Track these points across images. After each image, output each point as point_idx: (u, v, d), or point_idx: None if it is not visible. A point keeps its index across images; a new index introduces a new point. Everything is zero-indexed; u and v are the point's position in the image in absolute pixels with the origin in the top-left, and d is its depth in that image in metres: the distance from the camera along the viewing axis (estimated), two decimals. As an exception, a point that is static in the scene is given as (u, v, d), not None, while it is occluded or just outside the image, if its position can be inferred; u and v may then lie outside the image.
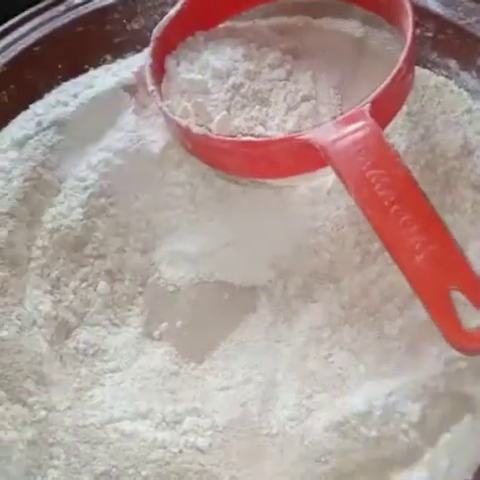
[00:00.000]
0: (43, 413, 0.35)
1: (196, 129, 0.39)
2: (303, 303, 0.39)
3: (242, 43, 0.45)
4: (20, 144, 0.44)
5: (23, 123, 0.46)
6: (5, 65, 0.49)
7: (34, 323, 0.39)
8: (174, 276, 0.43)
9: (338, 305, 0.38)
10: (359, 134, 0.34)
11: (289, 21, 0.48)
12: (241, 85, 0.42)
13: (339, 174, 0.35)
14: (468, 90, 0.44)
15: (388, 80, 0.37)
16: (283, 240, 0.41)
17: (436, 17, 0.45)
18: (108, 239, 0.43)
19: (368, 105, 0.36)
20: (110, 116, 0.45)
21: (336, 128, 0.35)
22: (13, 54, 0.49)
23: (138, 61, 0.48)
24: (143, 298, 0.42)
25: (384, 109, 0.37)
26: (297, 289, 0.40)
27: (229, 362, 0.39)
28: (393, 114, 0.39)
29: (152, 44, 0.43)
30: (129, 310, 0.42)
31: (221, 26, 0.46)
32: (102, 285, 0.42)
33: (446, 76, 0.45)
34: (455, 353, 0.32)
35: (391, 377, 0.35)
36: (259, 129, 0.40)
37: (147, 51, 0.45)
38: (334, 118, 0.37)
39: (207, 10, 0.45)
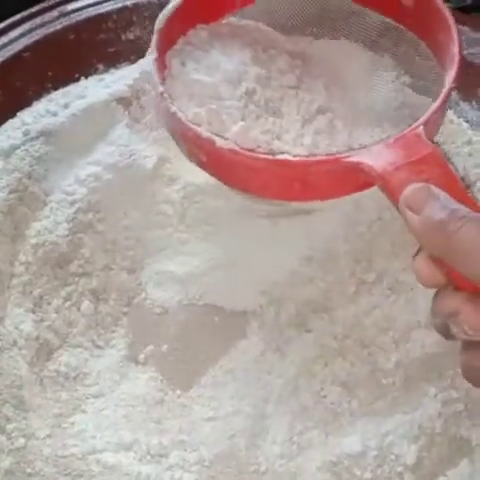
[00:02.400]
0: (21, 441, 0.34)
1: (221, 142, 0.34)
2: (296, 332, 0.38)
3: (249, 44, 0.41)
4: (6, 154, 0.43)
5: (10, 132, 0.44)
6: (-7, 70, 0.47)
7: (14, 343, 0.37)
8: (162, 297, 0.42)
9: (331, 336, 0.38)
10: (423, 162, 0.31)
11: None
12: (254, 92, 0.39)
13: (397, 205, 0.31)
14: (467, 121, 0.43)
15: (439, 101, 0.34)
16: (276, 267, 0.40)
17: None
18: (94, 256, 0.42)
19: (422, 128, 0.33)
20: (101, 129, 0.44)
21: (390, 152, 0.32)
22: (1, 60, 0.48)
23: (132, 73, 0.47)
24: (128, 319, 0.41)
25: (431, 132, 0.35)
26: (290, 317, 0.39)
27: (217, 391, 0.37)
28: (434, 136, 0.36)
29: (156, 37, 0.39)
30: (113, 331, 0.41)
31: (223, 22, 0.42)
32: (86, 305, 0.40)
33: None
34: (452, 394, 0.32)
35: (386, 415, 0.34)
36: (277, 143, 0.36)
37: (152, 44, 0.39)
38: (384, 140, 0.33)
39: (210, 3, 0.42)
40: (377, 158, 0.32)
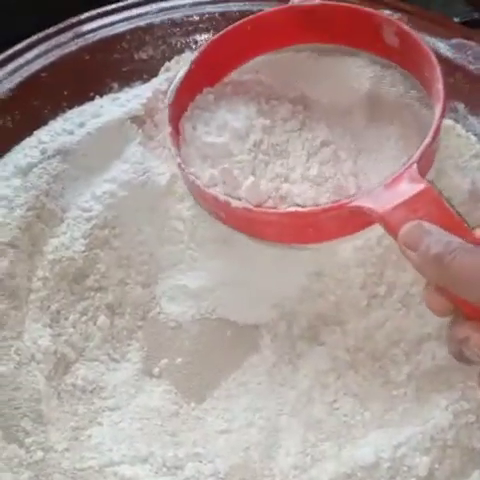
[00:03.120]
0: (40, 454, 0.34)
1: (236, 203, 0.38)
2: (308, 345, 0.39)
3: (252, 98, 0.45)
4: (24, 172, 0.44)
5: (27, 150, 0.45)
6: (11, 90, 0.48)
7: (32, 358, 0.38)
8: (175, 311, 0.42)
9: (343, 349, 0.38)
10: (418, 200, 0.33)
11: (295, 59, 0.48)
12: (261, 142, 0.42)
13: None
14: (476, 134, 0.44)
15: (429, 138, 0.36)
16: (287, 283, 0.41)
17: (446, 61, 0.46)
18: (110, 271, 0.42)
19: (415, 165, 0.35)
20: (116, 147, 0.45)
21: (388, 193, 0.34)
22: (19, 79, 0.49)
23: (145, 91, 0.48)
24: (143, 333, 0.42)
25: (426, 166, 0.37)
26: (302, 330, 0.40)
27: (230, 403, 0.38)
28: (429, 169, 0.39)
29: (168, 111, 0.42)
30: (128, 345, 0.41)
31: (226, 80, 0.46)
32: (102, 319, 0.41)
33: (454, 119, 0.45)
34: (464, 405, 0.32)
35: (398, 426, 0.34)
36: (285, 186, 0.40)
37: (165, 118, 0.43)
38: (382, 182, 0.35)
39: (214, 66, 0.45)
40: (376, 201, 0.34)
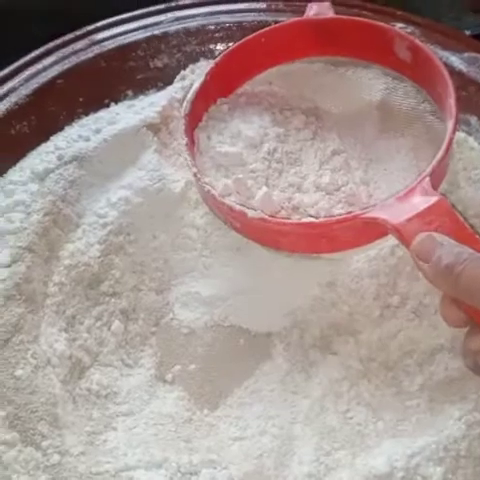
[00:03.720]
0: (56, 457, 0.35)
1: (252, 213, 0.38)
2: (321, 354, 0.39)
3: (266, 109, 0.45)
4: (40, 177, 0.44)
5: (44, 156, 0.45)
6: (27, 96, 0.49)
7: (48, 362, 0.38)
8: (188, 318, 0.43)
9: (356, 358, 0.38)
10: (431, 212, 0.34)
11: (308, 71, 0.48)
12: (275, 150, 0.42)
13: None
14: (488, 147, 0.44)
15: (441, 152, 0.37)
16: (300, 292, 0.41)
17: (459, 74, 0.46)
18: (124, 277, 0.43)
19: (428, 178, 0.36)
20: (132, 154, 0.45)
21: (402, 205, 0.35)
22: (35, 86, 0.50)
23: (161, 99, 0.48)
24: (156, 339, 0.42)
25: (438, 179, 0.38)
26: (314, 339, 0.40)
27: (243, 411, 0.38)
28: (441, 182, 0.39)
29: (184, 121, 0.43)
30: (142, 351, 0.42)
31: (239, 91, 0.47)
32: (116, 324, 0.41)
33: (466, 132, 0.46)
34: (477, 416, 0.32)
35: (411, 436, 0.35)
36: (297, 197, 0.40)
37: (181, 127, 0.44)
38: (395, 194, 0.36)
39: (228, 77, 0.46)
40: (390, 212, 0.35)
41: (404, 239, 0.34)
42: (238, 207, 0.39)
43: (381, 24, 0.45)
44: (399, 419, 0.36)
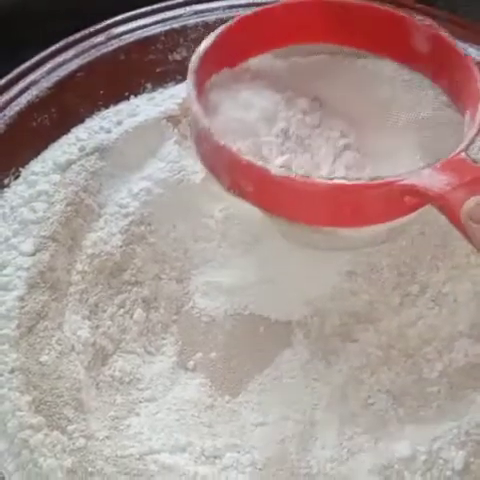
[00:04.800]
0: (82, 441, 0.35)
1: (277, 170, 0.34)
2: (341, 342, 0.40)
3: (271, 88, 0.43)
4: (63, 168, 0.45)
5: (66, 147, 0.46)
6: (48, 89, 0.49)
7: (73, 349, 0.38)
8: (208, 306, 0.43)
9: (376, 346, 0.39)
10: (476, 183, 0.33)
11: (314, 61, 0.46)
12: (287, 130, 0.41)
13: (457, 223, 0.33)
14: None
15: (475, 129, 0.36)
16: (319, 281, 0.42)
17: (477, 66, 0.46)
18: (146, 266, 0.43)
19: (465, 153, 0.35)
20: (152, 145, 0.46)
21: (441, 175, 0.33)
22: (56, 79, 0.50)
23: (180, 92, 0.49)
24: (177, 327, 0.43)
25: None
26: (334, 327, 0.41)
27: (265, 397, 0.39)
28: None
29: (192, 76, 0.40)
30: (163, 338, 0.42)
31: (243, 67, 0.44)
32: (138, 313, 0.42)
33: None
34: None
35: (433, 422, 0.35)
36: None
37: (189, 84, 0.41)
38: (430, 165, 0.34)
39: (237, 45, 0.43)
40: (431, 181, 0.33)
41: (449, 208, 0.33)
42: (260, 163, 0.35)
43: (397, 12, 0.43)
44: (420, 405, 0.36)
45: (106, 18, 0.54)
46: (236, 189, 0.37)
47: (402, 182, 0.34)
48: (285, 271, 0.43)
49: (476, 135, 0.36)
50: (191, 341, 0.42)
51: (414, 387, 0.37)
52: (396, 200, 0.35)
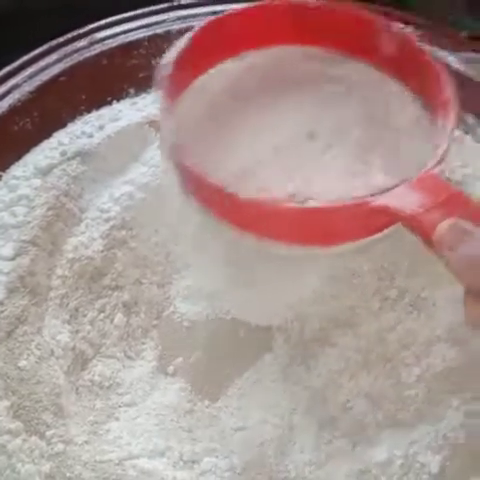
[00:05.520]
0: (61, 446, 0.35)
1: (245, 194, 0.34)
2: (320, 347, 0.40)
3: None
4: (44, 172, 0.44)
5: (47, 152, 0.46)
6: (30, 93, 0.49)
7: (52, 353, 0.38)
8: (189, 311, 0.43)
9: (355, 350, 0.39)
10: (451, 203, 0.32)
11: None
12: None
13: (431, 245, 0.32)
14: (485, 146, 0.45)
15: (446, 142, 0.35)
16: (300, 287, 0.42)
17: (456, 74, 0.47)
18: (126, 271, 0.43)
19: (438, 169, 0.34)
20: (135, 150, 0.46)
21: (415, 194, 0.32)
22: (38, 83, 0.50)
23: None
24: (158, 332, 0.43)
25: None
26: (314, 332, 0.41)
27: (244, 401, 0.39)
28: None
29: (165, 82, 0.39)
30: (143, 343, 0.42)
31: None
32: (119, 317, 0.42)
33: (464, 130, 0.46)
34: (475, 406, 0.33)
35: (410, 426, 0.35)
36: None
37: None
38: (403, 182, 0.33)
39: (206, 51, 0.42)
40: (403, 200, 0.32)
41: (422, 229, 0.32)
42: (225, 189, 0.34)
43: (366, 14, 0.42)
44: (398, 409, 0.36)
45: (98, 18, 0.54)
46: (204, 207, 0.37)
47: (374, 203, 0.33)
48: (267, 274, 0.43)
49: (447, 150, 0.35)
50: (171, 346, 0.42)
51: (392, 391, 0.37)
52: (370, 219, 0.34)
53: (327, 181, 0.37)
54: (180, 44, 0.41)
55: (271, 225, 0.35)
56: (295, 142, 0.39)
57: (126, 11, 0.54)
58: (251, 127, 0.39)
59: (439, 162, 0.35)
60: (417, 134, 0.39)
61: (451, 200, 0.32)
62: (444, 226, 0.31)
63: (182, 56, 0.40)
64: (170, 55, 0.40)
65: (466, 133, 0.46)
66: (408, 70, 0.41)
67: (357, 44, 0.42)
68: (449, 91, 0.37)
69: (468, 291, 0.31)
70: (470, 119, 0.47)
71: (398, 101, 0.40)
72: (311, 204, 0.35)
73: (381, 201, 0.33)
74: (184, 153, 0.36)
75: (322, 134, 0.39)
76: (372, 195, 0.34)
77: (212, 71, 0.42)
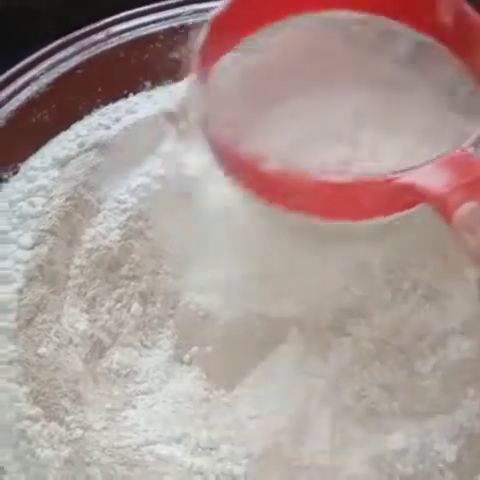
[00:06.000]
0: (79, 432, 0.36)
1: (274, 166, 0.34)
2: (334, 337, 0.40)
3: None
4: (62, 163, 0.45)
5: (65, 143, 0.46)
6: (48, 85, 0.50)
7: (70, 341, 0.39)
8: (205, 301, 0.44)
9: (369, 340, 0.39)
10: (477, 183, 0.31)
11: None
12: None
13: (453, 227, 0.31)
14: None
15: None
16: (313, 278, 0.42)
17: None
18: (143, 261, 0.44)
19: (472, 148, 0.33)
20: (151, 142, 0.46)
21: (442, 173, 0.32)
22: (56, 75, 0.51)
23: (179, 90, 0.50)
24: (174, 321, 0.43)
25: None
26: (328, 322, 0.41)
27: (259, 391, 0.39)
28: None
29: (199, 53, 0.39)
30: (160, 332, 0.43)
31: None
32: (135, 307, 0.42)
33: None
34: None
35: (426, 415, 0.36)
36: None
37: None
38: (432, 160, 0.32)
39: (241, 21, 0.41)
40: (430, 179, 0.32)
41: (446, 210, 0.31)
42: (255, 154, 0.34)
43: None
44: (413, 399, 0.37)
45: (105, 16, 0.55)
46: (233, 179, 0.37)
47: (400, 180, 0.32)
48: (281, 266, 0.43)
49: None
50: (187, 335, 0.42)
51: (407, 381, 0.37)
52: (395, 197, 0.34)
53: (376, 157, 0.36)
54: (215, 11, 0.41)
55: (297, 198, 0.35)
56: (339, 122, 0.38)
57: (140, 5, 0.54)
58: (289, 107, 0.39)
59: (476, 141, 0.33)
60: (467, 110, 0.38)
61: (478, 182, 0.31)
62: (466, 208, 0.30)
63: (217, 24, 0.40)
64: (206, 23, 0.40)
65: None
66: (463, 40, 0.39)
67: (412, 11, 0.41)
68: None
69: None
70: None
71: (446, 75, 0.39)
72: (337, 178, 0.34)
73: (408, 178, 0.32)
74: (218, 125, 0.36)
75: (368, 114, 0.38)
76: (399, 172, 0.33)
77: (245, 45, 0.41)
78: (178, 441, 0.36)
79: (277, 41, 0.43)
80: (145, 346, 0.42)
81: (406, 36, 0.41)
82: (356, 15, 0.42)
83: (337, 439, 0.36)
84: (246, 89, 0.41)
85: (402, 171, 0.33)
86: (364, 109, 0.39)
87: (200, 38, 0.40)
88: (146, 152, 0.46)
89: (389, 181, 0.33)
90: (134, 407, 0.38)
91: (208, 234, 0.45)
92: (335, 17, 0.42)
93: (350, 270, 0.42)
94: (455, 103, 0.39)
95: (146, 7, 0.54)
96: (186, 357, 0.41)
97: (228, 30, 0.41)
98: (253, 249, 0.45)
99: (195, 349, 0.42)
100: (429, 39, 0.41)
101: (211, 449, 0.36)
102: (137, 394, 0.39)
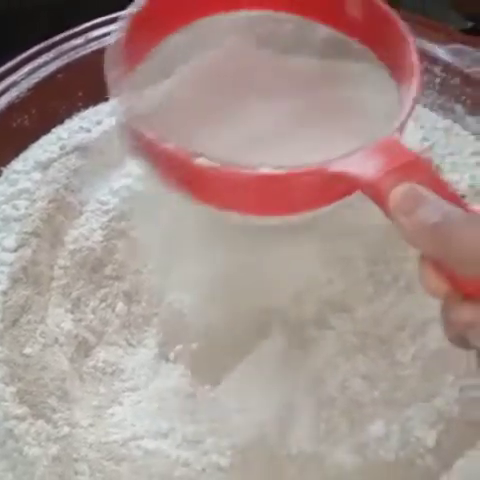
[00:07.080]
0: (66, 429, 0.36)
1: (200, 160, 0.31)
2: (317, 330, 0.41)
3: None
4: (44, 166, 0.46)
5: (46, 146, 0.47)
6: (28, 90, 0.50)
7: (56, 341, 0.39)
8: (189, 298, 0.44)
9: (351, 333, 0.40)
10: (410, 168, 0.30)
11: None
12: None
13: (388, 211, 0.30)
14: (474, 134, 0.47)
15: (407, 108, 0.34)
16: (295, 272, 0.43)
17: (444, 65, 0.48)
18: (127, 261, 0.44)
19: (398, 134, 0.32)
20: (132, 143, 0.47)
21: (373, 160, 0.31)
22: (36, 80, 0.51)
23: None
24: (158, 319, 0.44)
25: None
26: (311, 315, 0.42)
27: (244, 384, 0.40)
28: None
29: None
30: (145, 331, 0.43)
31: None
32: (120, 306, 0.43)
33: (452, 120, 0.48)
34: (468, 380, 0.34)
35: (406, 403, 0.36)
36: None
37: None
38: (362, 148, 0.31)
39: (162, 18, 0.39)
40: (361, 166, 0.31)
41: (379, 195, 0.30)
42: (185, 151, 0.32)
43: None
44: (394, 387, 0.37)
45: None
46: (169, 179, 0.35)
47: (331, 169, 0.31)
48: (264, 260, 0.44)
49: (409, 115, 0.34)
50: (171, 333, 0.43)
51: (388, 371, 0.38)
52: (327, 186, 0.33)
53: (297, 151, 0.35)
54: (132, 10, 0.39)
55: (225, 193, 0.34)
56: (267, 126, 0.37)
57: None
58: (217, 114, 0.37)
59: (400, 128, 0.33)
60: (383, 100, 0.37)
61: (409, 166, 0.30)
62: (399, 190, 0.29)
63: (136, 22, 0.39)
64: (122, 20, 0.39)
65: (454, 122, 0.48)
66: (374, 33, 0.39)
67: (321, 8, 0.40)
68: (414, 57, 0.36)
69: (424, 258, 0.30)
70: (458, 109, 0.48)
71: (365, 68, 0.39)
72: (265, 170, 0.32)
73: (338, 167, 0.31)
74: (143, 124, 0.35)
75: (295, 115, 0.37)
76: (330, 161, 0.32)
77: (165, 44, 0.40)
78: (165, 436, 0.37)
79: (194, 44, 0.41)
80: (130, 345, 0.42)
81: (318, 31, 0.40)
82: (268, 13, 0.41)
83: (322, 429, 0.36)
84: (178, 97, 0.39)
85: (333, 160, 0.32)
86: (291, 110, 0.38)
87: (120, 35, 0.39)
88: (127, 153, 0.47)
89: (321, 170, 0.32)
90: (121, 404, 0.39)
91: (189, 232, 0.46)
92: (248, 16, 0.41)
93: (333, 263, 0.43)
94: (374, 96, 0.38)
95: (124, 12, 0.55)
96: (171, 355, 0.42)
97: (148, 29, 0.40)
98: (237, 244, 0.45)
99: (180, 347, 0.42)
100: (340, 33, 0.40)
101: (197, 442, 0.36)
102: (123, 391, 0.40)
